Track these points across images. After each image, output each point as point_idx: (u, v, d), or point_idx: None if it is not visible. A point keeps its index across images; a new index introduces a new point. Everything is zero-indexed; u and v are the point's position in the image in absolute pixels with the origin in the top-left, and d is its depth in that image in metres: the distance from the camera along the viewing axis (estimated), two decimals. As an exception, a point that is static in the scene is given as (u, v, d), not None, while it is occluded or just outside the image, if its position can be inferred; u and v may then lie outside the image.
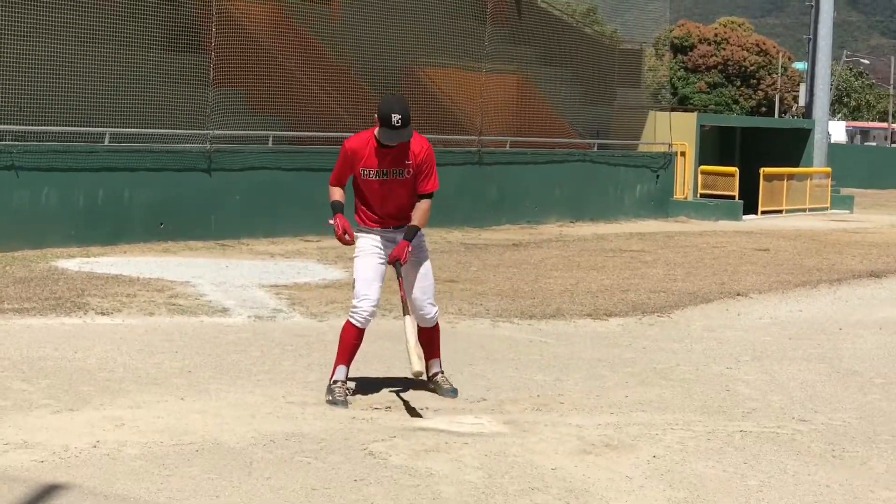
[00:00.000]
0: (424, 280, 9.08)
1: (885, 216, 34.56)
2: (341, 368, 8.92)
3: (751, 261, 20.17)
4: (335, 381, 8.89)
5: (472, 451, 7.64)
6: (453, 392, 9.24)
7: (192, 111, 20.54)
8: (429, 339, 9.32)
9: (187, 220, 19.68)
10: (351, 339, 8.93)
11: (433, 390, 9.31)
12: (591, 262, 19.21)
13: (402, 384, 9.53)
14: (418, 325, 9.19)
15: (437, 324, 9.27)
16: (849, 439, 8.38)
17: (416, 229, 8.92)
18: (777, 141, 36.39)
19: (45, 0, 19.12)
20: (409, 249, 8.85)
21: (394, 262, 8.86)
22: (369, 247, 8.93)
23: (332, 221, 8.92)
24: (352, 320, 8.91)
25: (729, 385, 10.15)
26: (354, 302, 8.92)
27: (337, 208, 8.96)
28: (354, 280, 8.99)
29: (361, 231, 9.00)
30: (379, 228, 8.95)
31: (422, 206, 8.98)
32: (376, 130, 8.75)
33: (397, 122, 8.60)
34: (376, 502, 6.63)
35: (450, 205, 23.86)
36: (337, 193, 9.04)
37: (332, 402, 8.75)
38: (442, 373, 9.39)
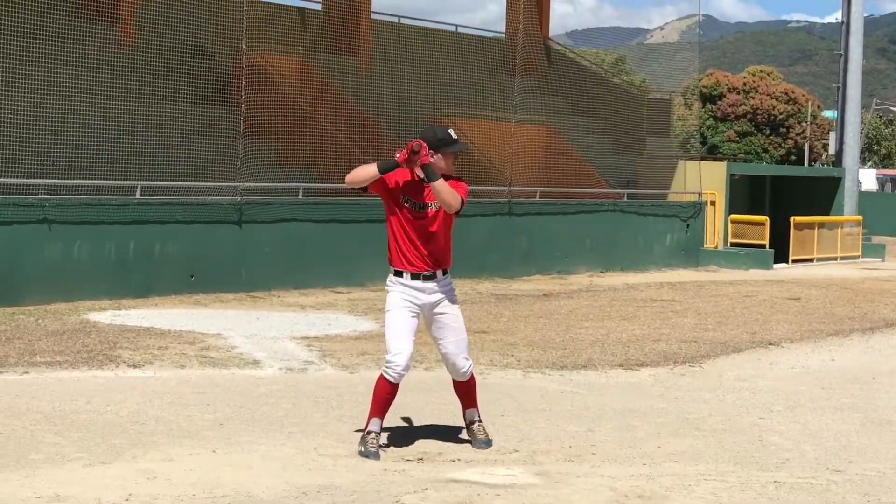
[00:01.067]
0: (457, 335, 9.04)
1: (916, 264, 34.38)
2: (375, 421, 8.89)
3: (782, 310, 20.09)
4: (368, 433, 8.87)
5: (505, 503, 7.60)
6: (487, 443, 9.19)
7: (222, 164, 20.64)
8: (465, 390, 9.27)
9: (218, 272, 19.74)
10: (385, 394, 8.89)
11: (468, 441, 9.26)
12: (622, 312, 19.17)
13: (433, 434, 9.50)
14: (453, 380, 9.20)
15: (472, 376, 9.23)
16: (884, 490, 8.31)
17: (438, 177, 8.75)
18: (807, 189, 36.32)
19: (77, 56, 19.32)
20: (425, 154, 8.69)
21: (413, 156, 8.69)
22: (401, 301, 8.89)
23: (398, 155, 8.76)
24: (386, 375, 8.86)
25: (762, 435, 10.09)
26: (388, 357, 8.86)
27: (384, 162, 8.87)
28: (387, 334, 8.95)
29: (392, 282, 8.95)
30: (412, 272, 8.85)
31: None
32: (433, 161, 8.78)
33: (455, 135, 8.90)
34: (408, 555, 6.60)
35: (480, 255, 23.91)
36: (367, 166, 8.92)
37: (365, 454, 8.74)
38: (480, 422, 9.33)
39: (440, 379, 11.93)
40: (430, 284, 8.92)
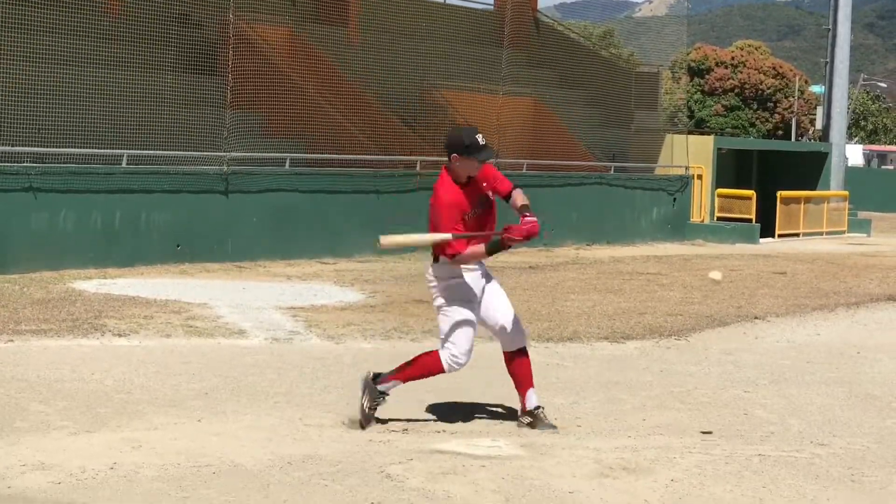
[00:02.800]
0: (506, 301, 8.94)
1: (902, 240, 34.47)
2: (396, 383, 8.85)
3: (768, 284, 20.12)
4: (382, 393, 8.83)
5: (489, 474, 7.61)
6: (553, 427, 9.00)
7: (209, 133, 20.60)
8: (527, 366, 9.04)
9: (204, 242, 19.71)
10: (427, 374, 8.86)
11: (529, 424, 9.01)
12: (608, 285, 19.18)
13: (418, 405, 9.50)
14: (513, 351, 8.98)
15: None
16: (868, 464, 8.33)
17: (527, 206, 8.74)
18: (794, 164, 36.37)
19: (63, 25, 19.24)
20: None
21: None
22: (468, 293, 8.74)
23: (514, 239, 8.56)
24: (445, 365, 8.73)
25: (747, 408, 10.11)
26: (455, 351, 8.70)
27: (491, 241, 8.64)
28: (453, 327, 8.71)
29: (454, 272, 8.73)
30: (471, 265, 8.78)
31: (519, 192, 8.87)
32: (450, 175, 8.69)
33: (483, 141, 8.71)
34: (393, 525, 6.61)
35: (466, 227, 23.85)
36: (473, 244, 8.62)
37: (367, 411, 8.77)
38: (542, 408, 9.11)
39: (427, 350, 11.93)
40: (483, 269, 8.87)
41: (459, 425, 9.02)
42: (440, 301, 8.75)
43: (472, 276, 8.78)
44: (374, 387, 8.84)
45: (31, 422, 8.57)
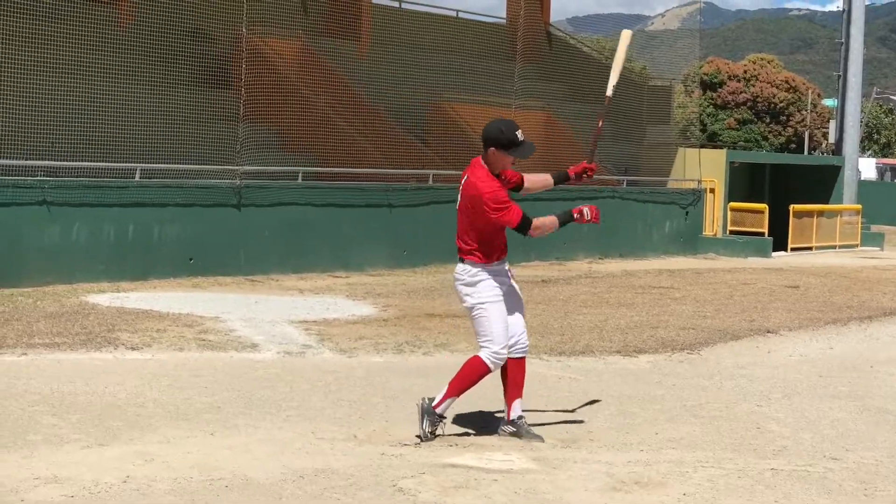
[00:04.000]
0: (523, 307, 9.08)
1: (915, 253, 34.40)
2: (451, 400, 8.90)
3: (780, 298, 20.09)
4: (441, 416, 8.87)
5: (501, 488, 7.61)
6: (539, 437, 9.04)
7: (222, 147, 20.62)
8: (520, 373, 9.09)
9: (217, 255, 19.74)
10: (477, 379, 8.89)
11: (513, 433, 9.07)
12: (621, 298, 19.17)
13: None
14: (508, 360, 9.00)
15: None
16: (881, 478, 8.32)
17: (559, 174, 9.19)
18: (807, 178, 36.31)
19: (77, 38, 19.29)
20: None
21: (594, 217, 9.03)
22: (495, 290, 8.83)
23: (585, 214, 8.96)
24: (489, 363, 8.80)
25: (759, 423, 10.10)
26: (496, 348, 8.77)
27: (562, 214, 9.00)
28: (490, 325, 8.78)
29: (485, 270, 8.83)
30: (498, 261, 8.90)
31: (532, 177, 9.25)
32: (488, 168, 8.76)
33: (523, 136, 8.76)
34: (405, 539, 6.60)
35: (479, 241, 23.85)
36: (542, 218, 8.96)
37: (427, 435, 8.80)
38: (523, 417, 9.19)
39: (439, 364, 11.96)
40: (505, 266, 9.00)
41: (472, 438, 9.01)
42: (471, 301, 8.83)
43: (498, 276, 8.89)
44: (433, 411, 8.88)
45: (44, 435, 8.58)
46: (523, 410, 9.15)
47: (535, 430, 9.12)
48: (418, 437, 8.81)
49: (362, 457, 8.30)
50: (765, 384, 12.03)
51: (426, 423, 8.84)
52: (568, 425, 9.64)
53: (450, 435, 9.08)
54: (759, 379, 12.35)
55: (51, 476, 7.48)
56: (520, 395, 9.13)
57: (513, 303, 8.98)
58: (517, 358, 9.04)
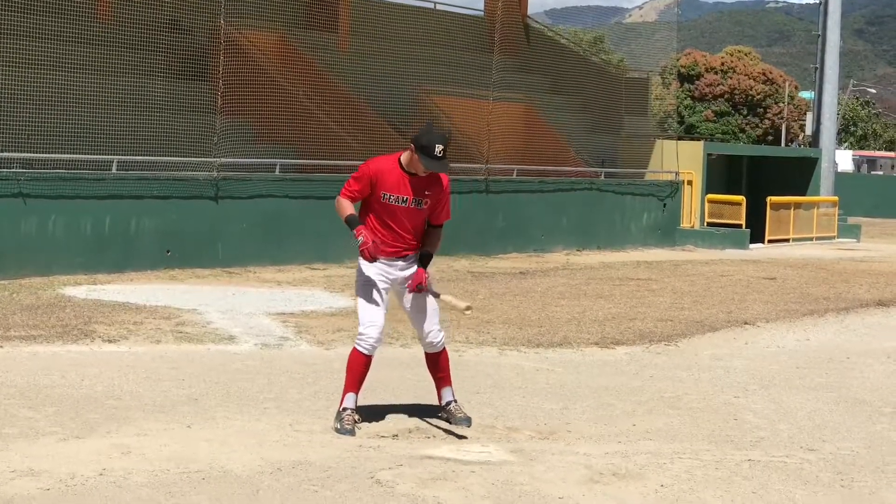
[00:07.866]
0: (430, 305, 9.03)
1: (892, 245, 34.53)
2: (350, 396, 8.88)
3: (758, 289, 20.14)
4: (344, 409, 8.86)
5: (479, 480, 7.61)
6: (467, 421, 9.13)
7: (199, 139, 20.58)
8: (439, 365, 9.19)
9: (194, 247, 19.70)
10: (359, 367, 8.89)
11: (446, 419, 9.21)
12: (598, 290, 19.19)
13: (408, 411, 9.50)
14: (426, 353, 9.16)
15: (444, 349, 9.20)
16: (857, 469, 8.35)
17: (431, 256, 8.90)
18: (784, 170, 36.41)
19: (53, 30, 19.21)
20: (427, 276, 8.80)
21: (416, 290, 8.81)
22: (374, 273, 8.85)
23: (360, 236, 8.66)
24: (359, 348, 8.87)
25: (737, 414, 10.12)
26: (361, 329, 8.86)
27: (356, 221, 8.73)
28: (359, 307, 8.93)
29: (365, 261, 8.88)
30: (385, 258, 8.84)
31: (436, 234, 8.96)
32: (403, 157, 8.70)
33: (440, 153, 8.55)
34: (383, 531, 6.60)
35: (456, 233, 23.84)
36: (350, 207, 8.78)
37: (341, 430, 8.73)
38: (455, 401, 9.26)
39: (416, 356, 11.92)
40: (402, 262, 8.90)
41: (449, 431, 9.00)
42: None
43: (386, 271, 8.89)
44: (338, 410, 8.95)
45: (20, 427, 8.55)
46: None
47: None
48: (335, 429, 8.83)
49: (340, 449, 8.30)
50: (742, 375, 12.06)
51: (336, 423, 8.87)
52: (546, 417, 9.65)
53: (428, 427, 9.08)
54: (737, 370, 12.39)
55: (27, 469, 7.45)
56: (448, 384, 9.24)
57: (418, 304, 8.99)
58: (431, 353, 9.16)
